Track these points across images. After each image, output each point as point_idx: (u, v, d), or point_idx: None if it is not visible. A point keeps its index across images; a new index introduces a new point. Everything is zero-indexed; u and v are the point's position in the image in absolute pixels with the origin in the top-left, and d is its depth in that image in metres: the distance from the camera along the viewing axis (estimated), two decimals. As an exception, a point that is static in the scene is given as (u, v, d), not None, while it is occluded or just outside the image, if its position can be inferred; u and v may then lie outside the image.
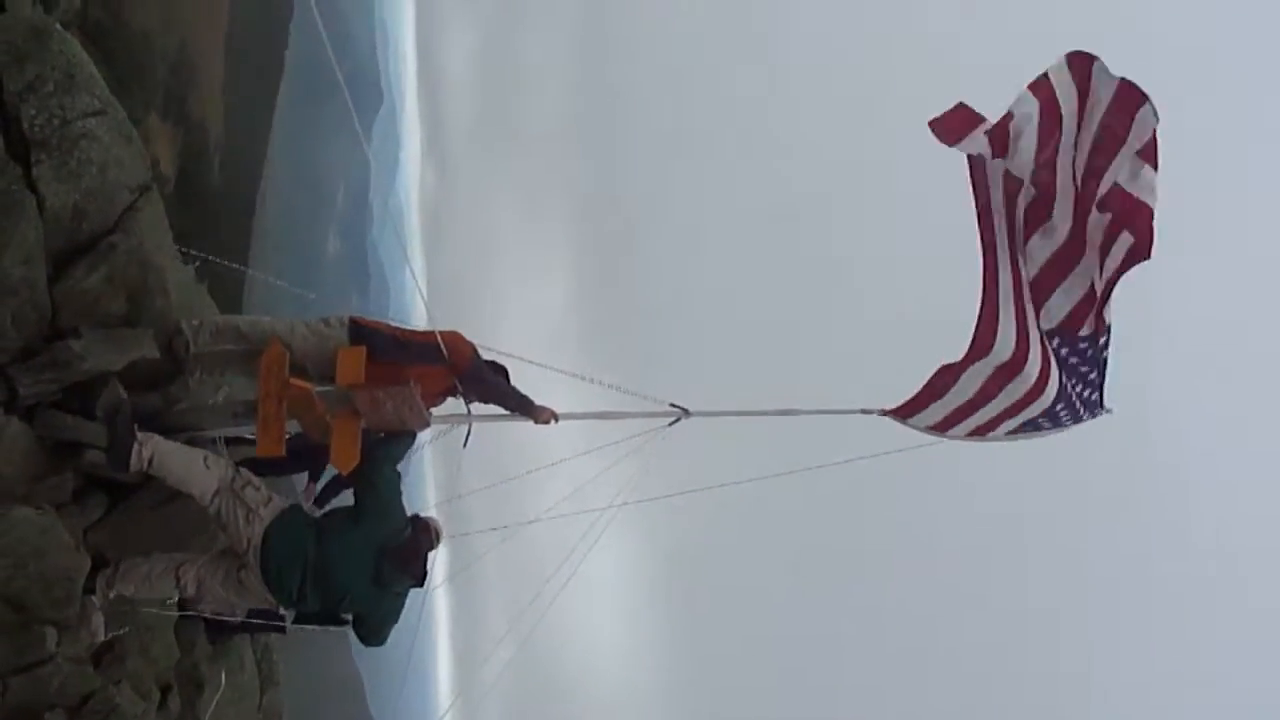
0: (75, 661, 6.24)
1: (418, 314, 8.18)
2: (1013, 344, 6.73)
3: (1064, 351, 6.99)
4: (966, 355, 6.90)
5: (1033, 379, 6.87)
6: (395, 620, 7.06)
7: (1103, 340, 7.01)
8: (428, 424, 6.95)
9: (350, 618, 7.01)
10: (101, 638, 6.69)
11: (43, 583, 5.82)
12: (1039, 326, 6.76)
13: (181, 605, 7.91)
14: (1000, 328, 6.67)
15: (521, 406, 7.38)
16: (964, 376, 7.07)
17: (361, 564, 6.53)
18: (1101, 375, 7.27)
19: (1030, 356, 6.77)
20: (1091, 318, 6.78)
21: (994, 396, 7.17)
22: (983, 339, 6.74)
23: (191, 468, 6.35)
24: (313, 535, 6.45)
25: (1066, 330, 6.90)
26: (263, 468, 6.80)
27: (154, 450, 6.18)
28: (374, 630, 6.95)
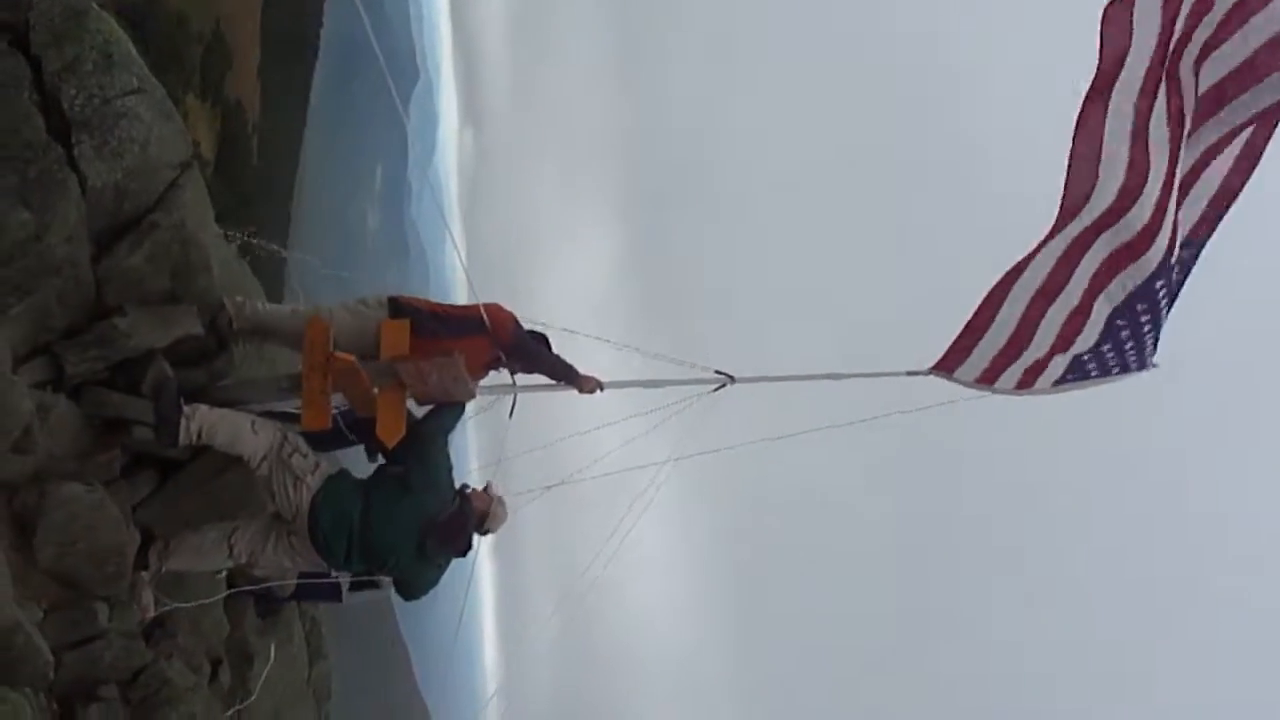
0: (127, 637, 6.28)
1: (459, 286, 8.19)
2: (1114, 195, 6.16)
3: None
4: (1059, 215, 6.48)
5: (1082, 288, 6.66)
6: (435, 585, 7.11)
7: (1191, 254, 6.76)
8: (473, 395, 6.95)
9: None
10: (152, 613, 6.73)
11: (93, 559, 5.85)
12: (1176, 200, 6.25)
13: (230, 580, 7.98)
14: (1102, 173, 6.12)
15: (566, 375, 7.37)
16: (1009, 298, 6.90)
17: (406, 534, 6.56)
18: (1168, 309, 7.02)
19: (1147, 202, 6.14)
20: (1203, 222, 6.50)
21: (1036, 324, 6.98)
22: (1076, 190, 6.26)
23: (239, 432, 6.40)
24: (359, 501, 6.48)
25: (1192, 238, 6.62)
26: (311, 444, 6.82)
27: (201, 421, 6.23)
28: (413, 592, 7.01)
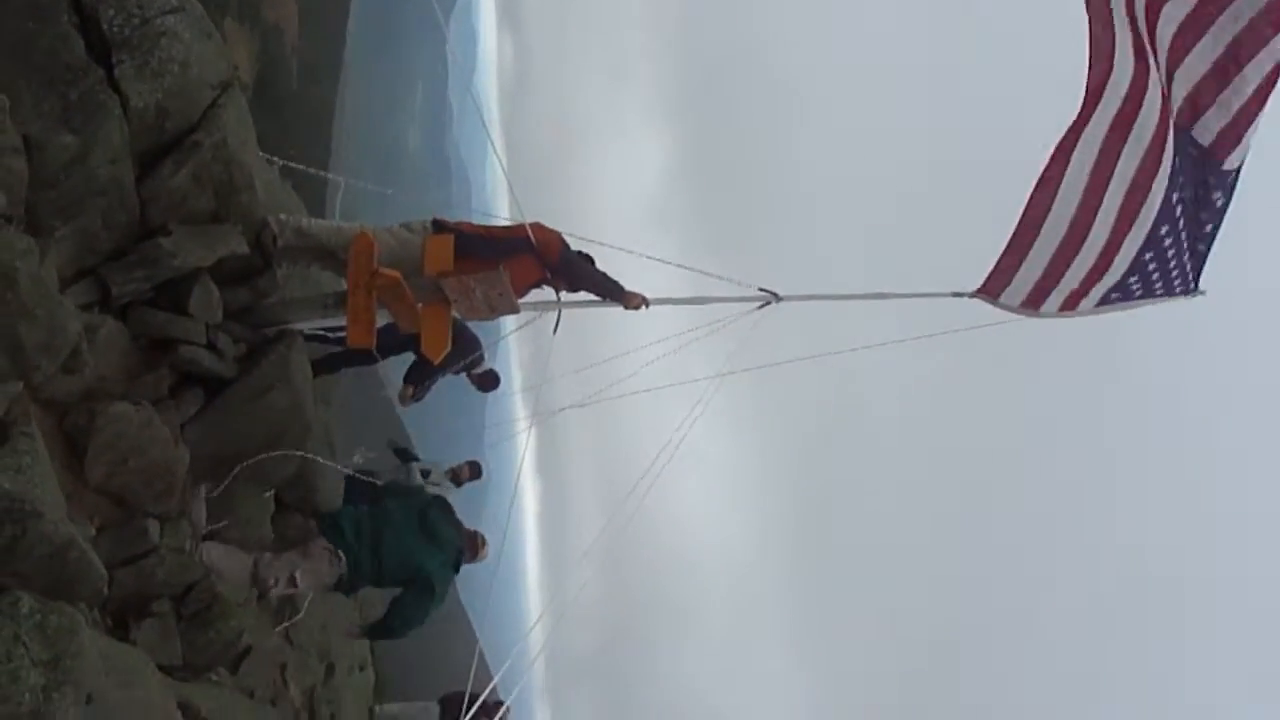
0: (178, 553, 6.36)
1: (502, 205, 8.15)
2: (1130, 72, 6.00)
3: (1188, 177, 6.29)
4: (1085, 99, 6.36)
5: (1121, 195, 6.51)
6: (439, 597, 7.82)
7: (1230, 182, 6.35)
8: (517, 310, 6.97)
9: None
10: (204, 529, 6.83)
11: (143, 477, 5.91)
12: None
13: (278, 498, 8.09)
14: (1117, 52, 5.97)
15: (612, 292, 7.36)
16: (1050, 216, 6.77)
17: (409, 523, 7.54)
18: (1210, 238, 6.81)
19: (1150, 83, 5.97)
20: (1236, 149, 6.02)
21: (1079, 248, 6.87)
22: (1098, 72, 6.15)
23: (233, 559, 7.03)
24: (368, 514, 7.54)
25: (1210, 158, 6.10)
26: (354, 359, 6.86)
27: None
28: (416, 603, 7.73)
